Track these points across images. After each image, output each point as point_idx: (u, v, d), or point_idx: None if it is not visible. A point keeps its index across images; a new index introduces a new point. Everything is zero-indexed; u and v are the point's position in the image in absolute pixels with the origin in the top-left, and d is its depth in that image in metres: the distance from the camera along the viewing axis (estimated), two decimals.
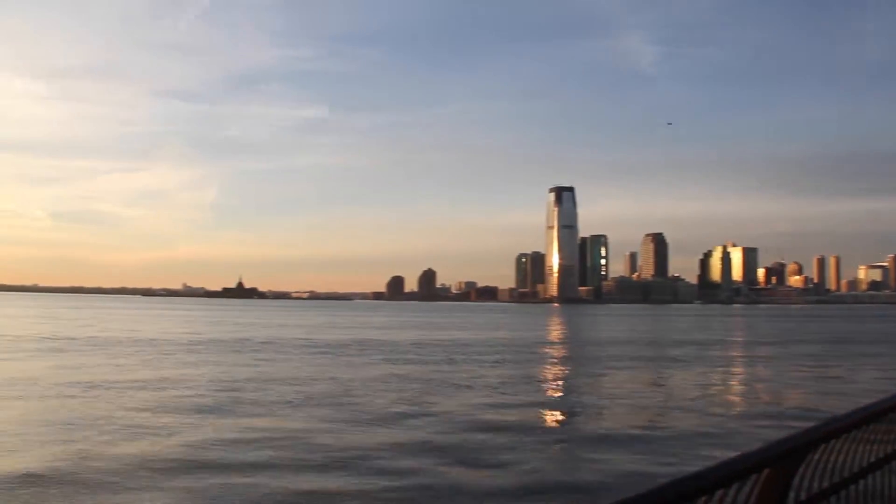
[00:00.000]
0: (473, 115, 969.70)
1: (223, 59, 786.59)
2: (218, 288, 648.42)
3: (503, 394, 34.36)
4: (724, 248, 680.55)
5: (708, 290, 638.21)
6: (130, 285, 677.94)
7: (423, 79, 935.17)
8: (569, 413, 29.87)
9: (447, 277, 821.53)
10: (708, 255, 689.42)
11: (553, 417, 29.19)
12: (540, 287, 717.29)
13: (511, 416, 27.50)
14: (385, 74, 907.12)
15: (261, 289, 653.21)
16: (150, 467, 18.10)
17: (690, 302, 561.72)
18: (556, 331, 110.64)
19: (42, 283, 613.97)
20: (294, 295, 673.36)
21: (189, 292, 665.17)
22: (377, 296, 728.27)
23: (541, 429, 26.31)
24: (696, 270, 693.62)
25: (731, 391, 39.24)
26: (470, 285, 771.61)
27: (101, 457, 19.09)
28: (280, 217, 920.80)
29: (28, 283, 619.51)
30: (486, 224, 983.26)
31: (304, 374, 40.98)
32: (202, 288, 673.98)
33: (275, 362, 48.21)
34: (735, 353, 66.42)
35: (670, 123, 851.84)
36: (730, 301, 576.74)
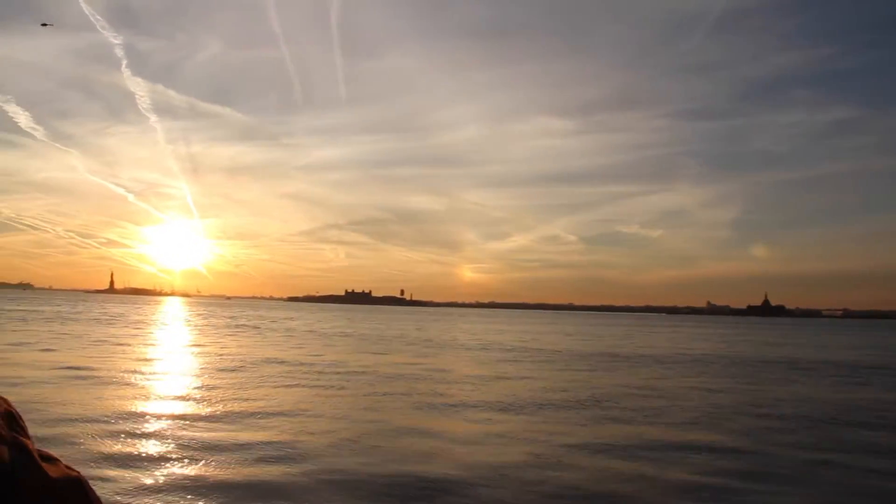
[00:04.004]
0: None
1: (737, 72, 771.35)
2: (742, 305, 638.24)
3: None
4: None
5: None
6: (655, 303, 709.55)
7: None
8: None
9: None
10: None
11: None
12: None
13: None
14: None
15: (788, 306, 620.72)
16: None
17: None
18: None
19: (576, 302, 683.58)
20: (825, 313, 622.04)
21: (713, 310, 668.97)
22: None
23: None
24: None
25: None
26: None
27: None
28: (808, 230, 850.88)
29: (564, 301, 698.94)
30: None
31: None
32: (727, 306, 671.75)
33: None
34: None
35: None
36: None
